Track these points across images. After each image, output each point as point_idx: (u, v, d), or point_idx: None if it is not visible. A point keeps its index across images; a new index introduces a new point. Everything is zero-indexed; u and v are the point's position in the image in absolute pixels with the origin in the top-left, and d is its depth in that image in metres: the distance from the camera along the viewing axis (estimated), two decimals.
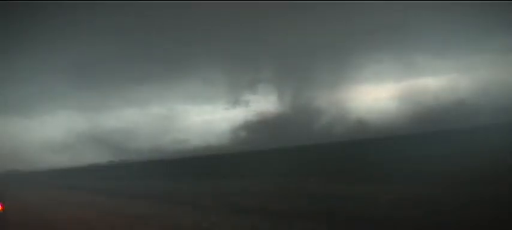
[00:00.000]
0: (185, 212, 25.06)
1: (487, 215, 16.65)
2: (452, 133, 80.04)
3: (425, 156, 45.29)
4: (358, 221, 18.00)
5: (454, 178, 27.08)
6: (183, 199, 31.85)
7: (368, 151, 64.29)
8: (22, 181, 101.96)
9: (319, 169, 46.86)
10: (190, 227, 20.21)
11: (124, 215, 26.05)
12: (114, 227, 21.94)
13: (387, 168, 38.20)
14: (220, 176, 51.30)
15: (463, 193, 21.18)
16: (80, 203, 35.18)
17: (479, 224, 15.74)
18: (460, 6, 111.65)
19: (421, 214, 17.85)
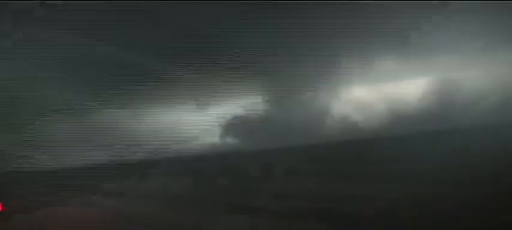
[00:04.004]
0: (185, 212, 25.03)
1: (486, 214, 16.66)
2: (448, 133, 79.66)
3: (423, 156, 45.16)
4: (358, 221, 18.01)
5: (452, 177, 27.08)
6: (182, 198, 31.79)
7: (366, 151, 63.98)
8: (22, 180, 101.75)
9: (318, 169, 46.71)
10: (190, 227, 20.18)
11: (123, 215, 26.02)
12: (113, 227, 21.91)
13: (387, 168, 38.12)
14: (219, 175, 51.03)
15: (461, 193, 21.19)
16: (79, 203, 35.09)
17: (478, 224, 15.75)
18: (451, 6, 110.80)
19: (420, 214, 17.86)
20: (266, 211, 22.16)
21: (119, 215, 25.84)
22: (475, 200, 19.02)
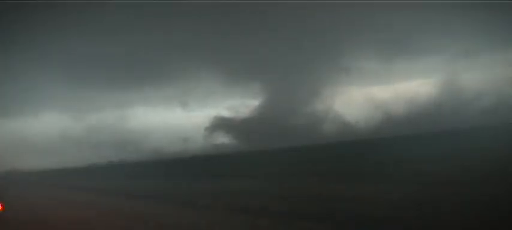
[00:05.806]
0: (185, 212, 25.09)
1: (486, 215, 16.70)
2: (447, 134, 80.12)
3: (422, 157, 45.33)
4: (358, 221, 18.04)
5: (451, 178, 27.15)
6: (182, 199, 31.88)
7: (366, 152, 64.31)
8: (22, 180, 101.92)
9: (318, 170, 46.89)
10: (190, 227, 20.25)
11: (123, 215, 26.07)
12: (113, 227, 21.97)
13: (386, 168, 38.25)
14: (219, 176, 51.31)
15: (460, 193, 21.23)
16: (79, 203, 35.20)
17: (478, 224, 15.79)
18: (449, 7, 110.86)
19: (420, 214, 17.90)
20: (266, 211, 22.20)
21: (118, 214, 25.93)
22: (476, 200, 19.05)
